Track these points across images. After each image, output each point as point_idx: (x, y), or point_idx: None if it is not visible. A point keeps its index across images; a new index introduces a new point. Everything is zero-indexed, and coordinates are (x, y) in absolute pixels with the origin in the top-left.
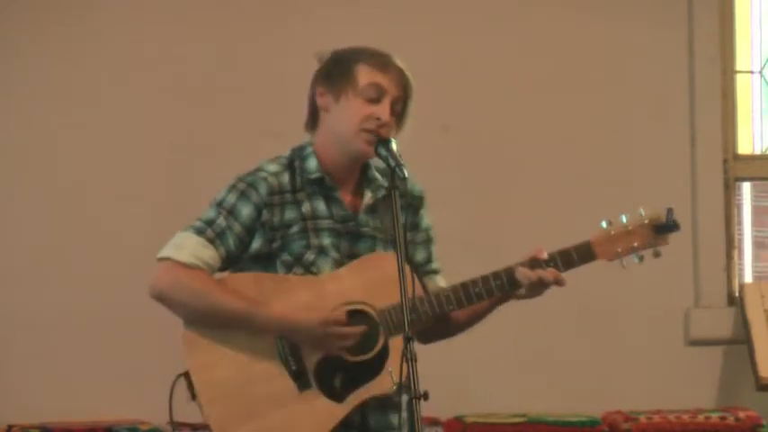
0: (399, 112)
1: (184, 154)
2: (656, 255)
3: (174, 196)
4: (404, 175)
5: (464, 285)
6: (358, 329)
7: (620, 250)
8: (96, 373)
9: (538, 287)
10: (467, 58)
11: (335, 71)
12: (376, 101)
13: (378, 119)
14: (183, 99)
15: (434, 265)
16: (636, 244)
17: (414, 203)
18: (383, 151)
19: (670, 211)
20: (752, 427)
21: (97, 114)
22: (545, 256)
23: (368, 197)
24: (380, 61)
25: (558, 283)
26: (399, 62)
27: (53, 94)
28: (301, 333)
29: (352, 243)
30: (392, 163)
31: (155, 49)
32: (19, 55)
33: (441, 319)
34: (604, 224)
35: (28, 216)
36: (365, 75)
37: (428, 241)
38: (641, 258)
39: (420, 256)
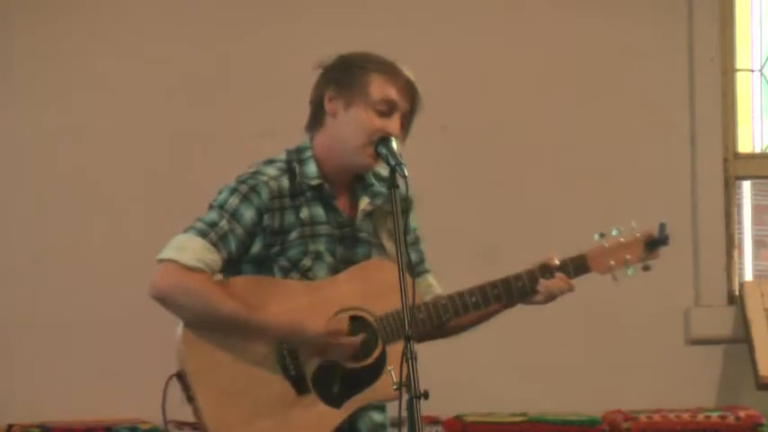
0: (406, 124)
1: (184, 154)
2: (646, 269)
3: (174, 196)
4: (404, 173)
5: (461, 295)
6: (357, 339)
7: (613, 263)
8: (96, 373)
9: (549, 296)
10: (466, 58)
11: (346, 78)
12: (387, 115)
13: (387, 134)
14: (182, 99)
15: (426, 265)
16: (628, 257)
17: (405, 207)
18: (383, 150)
19: (662, 225)
20: (752, 427)
21: (97, 114)
22: (556, 262)
23: (365, 203)
24: (392, 73)
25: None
26: (407, 72)
27: (53, 93)
28: (301, 339)
29: (348, 248)
30: (392, 162)
31: (154, 49)
32: (19, 55)
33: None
34: (597, 237)
35: (28, 216)
36: (378, 87)
37: (418, 242)
38: (633, 271)
39: (413, 257)
